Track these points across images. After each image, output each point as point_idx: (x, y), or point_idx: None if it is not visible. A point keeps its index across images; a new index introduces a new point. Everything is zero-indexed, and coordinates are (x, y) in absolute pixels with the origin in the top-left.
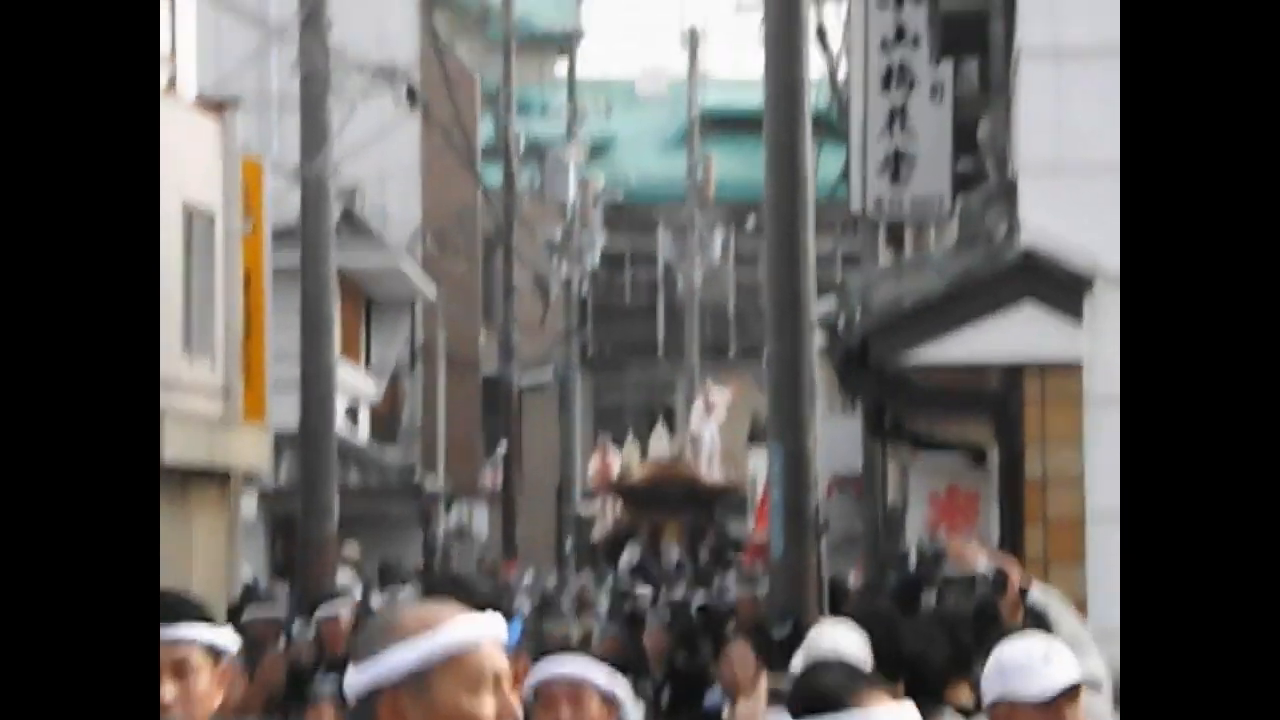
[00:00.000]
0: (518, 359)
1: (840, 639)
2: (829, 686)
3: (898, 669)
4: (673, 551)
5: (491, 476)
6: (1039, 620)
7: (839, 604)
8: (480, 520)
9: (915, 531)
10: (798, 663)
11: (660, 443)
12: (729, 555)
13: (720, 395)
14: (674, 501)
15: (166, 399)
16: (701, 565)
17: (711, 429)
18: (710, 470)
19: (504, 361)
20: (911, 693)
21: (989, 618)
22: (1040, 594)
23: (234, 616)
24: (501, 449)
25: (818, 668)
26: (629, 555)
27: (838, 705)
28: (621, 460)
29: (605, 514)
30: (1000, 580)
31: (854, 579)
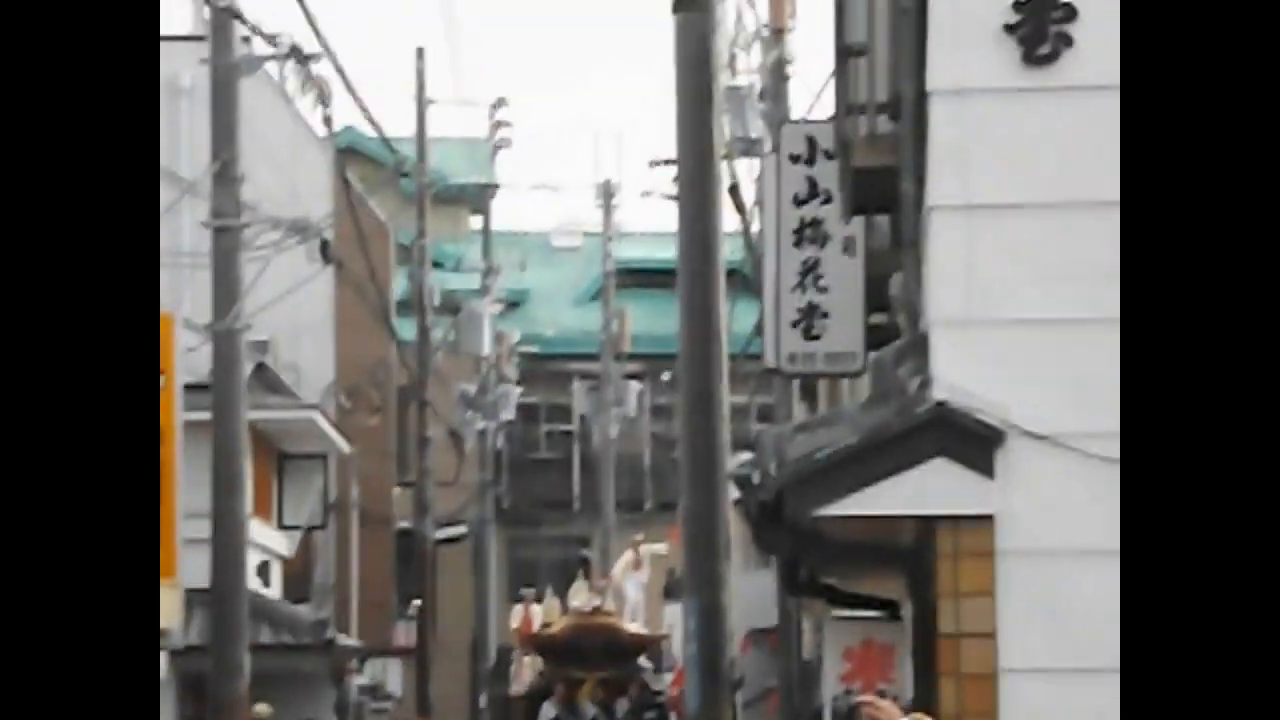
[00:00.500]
0: (432, 513)
1: None
2: None
3: None
4: (588, 708)
5: (405, 633)
6: None
7: None
8: (394, 677)
9: (830, 686)
10: None
11: (579, 597)
12: (649, 714)
13: (651, 551)
14: (593, 656)
15: None
16: None
17: (636, 584)
18: (633, 624)
19: (418, 516)
20: None
21: None
22: None
23: None
24: (415, 605)
25: None
26: (546, 712)
27: None
28: (542, 614)
29: (521, 669)
30: None
31: None
